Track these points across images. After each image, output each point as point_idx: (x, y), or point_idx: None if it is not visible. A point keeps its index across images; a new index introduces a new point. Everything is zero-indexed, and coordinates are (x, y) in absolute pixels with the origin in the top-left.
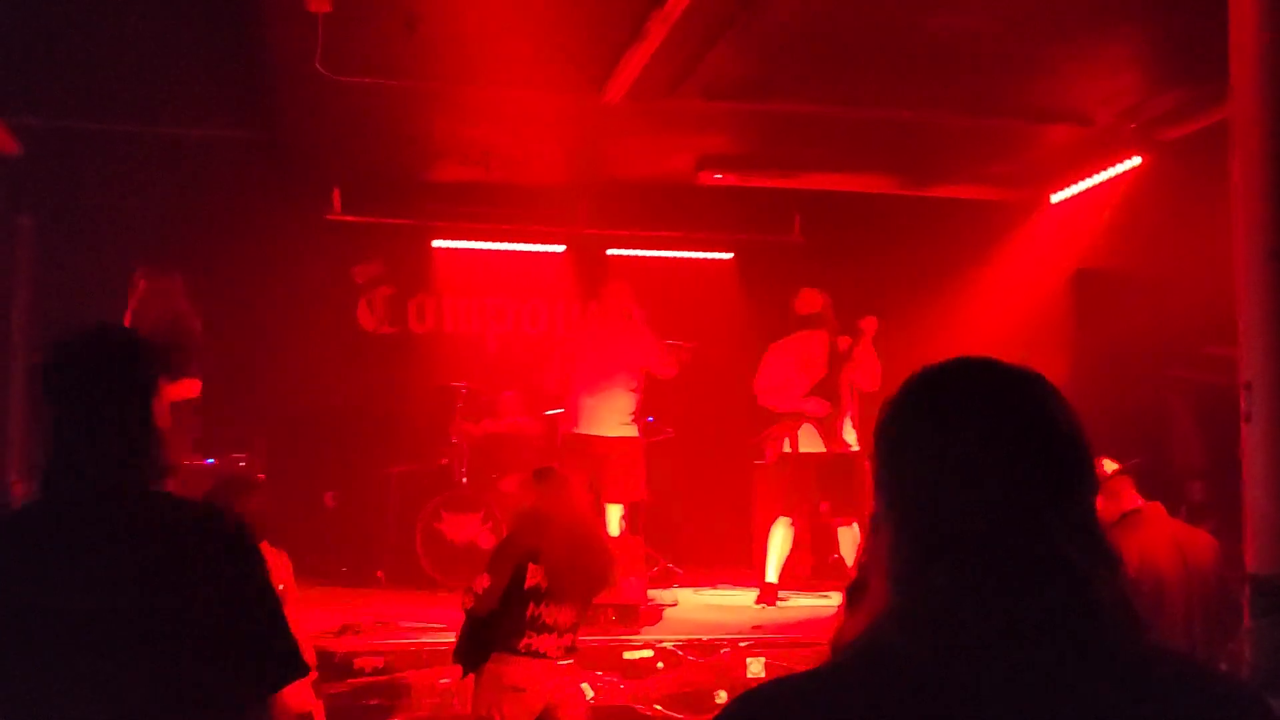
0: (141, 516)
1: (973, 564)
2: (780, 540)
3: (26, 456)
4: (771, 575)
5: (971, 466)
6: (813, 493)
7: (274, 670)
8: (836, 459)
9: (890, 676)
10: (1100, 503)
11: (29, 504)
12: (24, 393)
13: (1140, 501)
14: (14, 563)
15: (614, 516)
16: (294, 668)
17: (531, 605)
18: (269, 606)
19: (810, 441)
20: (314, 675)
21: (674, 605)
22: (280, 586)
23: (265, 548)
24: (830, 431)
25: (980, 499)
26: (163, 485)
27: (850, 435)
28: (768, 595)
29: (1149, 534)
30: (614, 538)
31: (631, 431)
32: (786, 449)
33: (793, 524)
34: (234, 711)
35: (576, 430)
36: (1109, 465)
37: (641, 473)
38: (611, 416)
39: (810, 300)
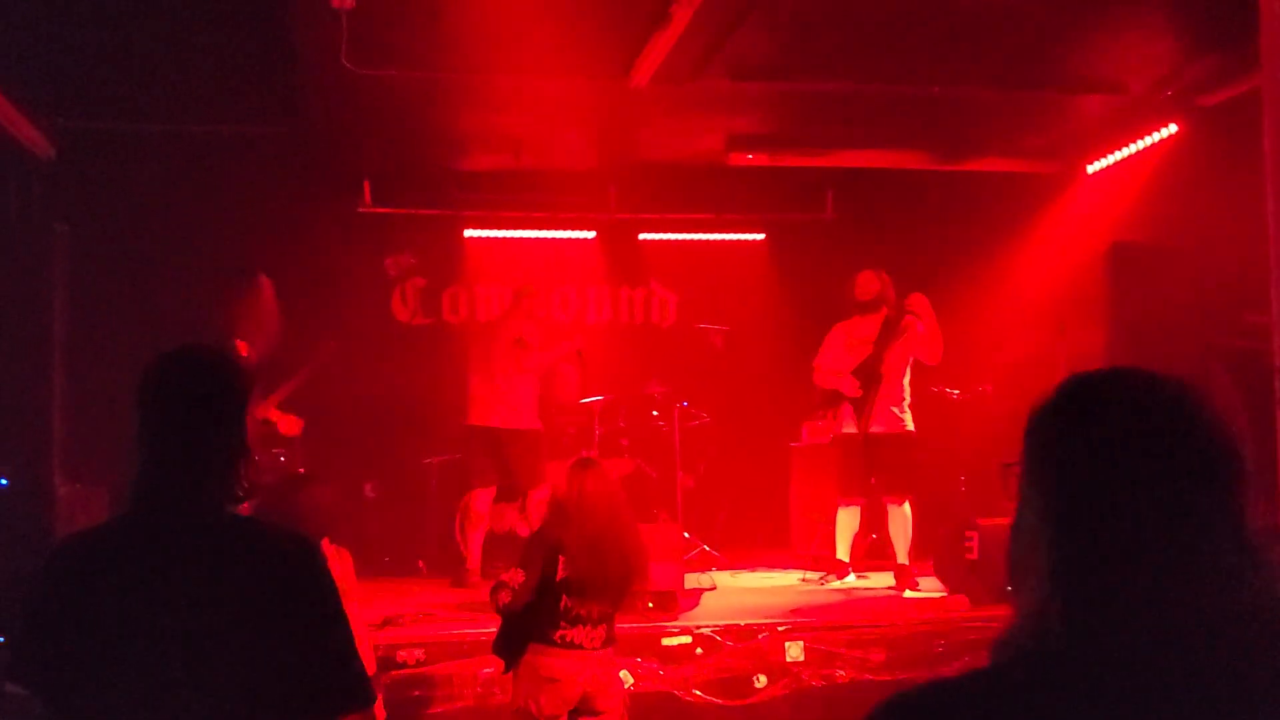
0: (217, 540)
1: (1135, 570)
2: (845, 520)
3: (69, 460)
4: (842, 554)
5: (1134, 475)
6: (861, 472)
7: (340, 700)
8: (888, 438)
9: (1054, 681)
10: None
11: (115, 519)
12: (65, 396)
13: None
14: (94, 577)
15: None
16: (359, 698)
17: (564, 597)
18: (339, 634)
19: (845, 422)
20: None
21: (712, 589)
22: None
23: (326, 545)
24: (864, 412)
25: (1143, 507)
26: (244, 507)
27: (907, 415)
28: (839, 570)
29: None
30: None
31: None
32: (850, 428)
33: (852, 502)
34: None
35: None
36: None
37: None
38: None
39: (866, 285)
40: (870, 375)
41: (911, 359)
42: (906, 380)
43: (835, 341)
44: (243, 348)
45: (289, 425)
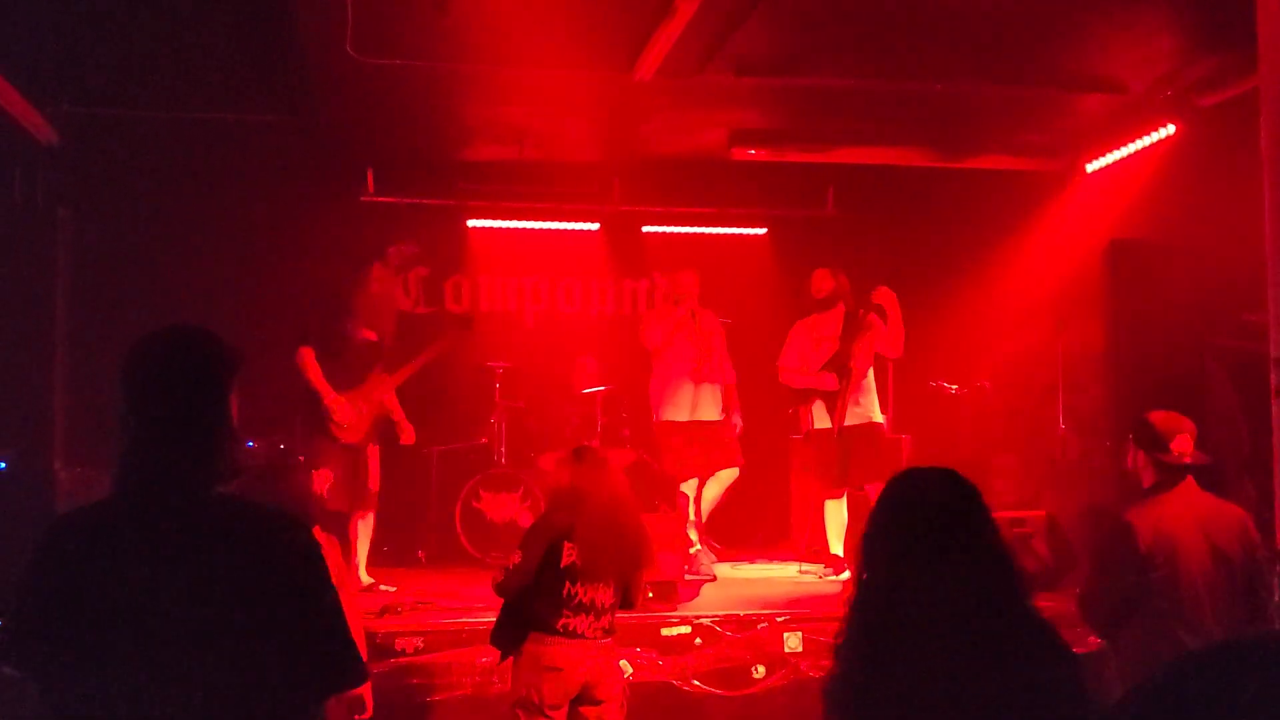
0: (207, 520)
1: None
2: (835, 513)
3: (70, 444)
4: (835, 548)
5: None
6: (838, 465)
7: (332, 678)
8: (859, 430)
9: None
10: (1129, 463)
11: (103, 500)
12: (67, 381)
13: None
14: (84, 558)
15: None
16: (352, 675)
17: (567, 584)
18: (330, 613)
19: (820, 417)
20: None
21: (712, 580)
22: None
23: (316, 532)
24: (837, 406)
25: None
26: (230, 486)
27: (873, 406)
28: (835, 565)
29: (1171, 509)
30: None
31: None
32: (822, 423)
33: (837, 495)
34: (290, 713)
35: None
36: None
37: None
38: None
39: (820, 283)
40: (841, 369)
41: (880, 352)
42: (871, 374)
43: (797, 340)
44: (369, 334)
45: (406, 436)
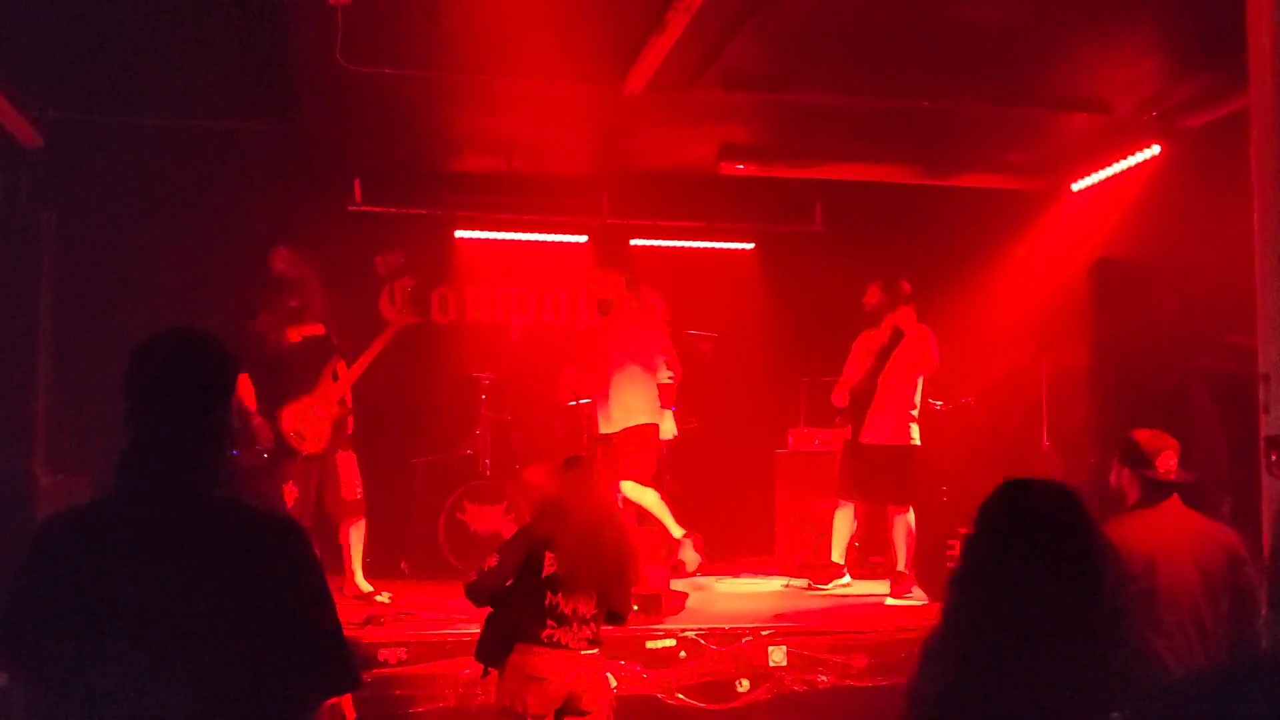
0: (205, 521)
1: None
2: (839, 522)
3: (52, 449)
4: (836, 556)
5: None
6: (849, 478)
7: (328, 681)
8: (879, 449)
9: None
10: (1114, 480)
11: (101, 499)
12: (49, 386)
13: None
14: (81, 556)
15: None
16: (348, 680)
17: (549, 594)
18: (327, 616)
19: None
20: None
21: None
22: None
23: None
24: (857, 423)
25: None
26: (229, 488)
27: (905, 427)
28: (827, 574)
29: (1154, 525)
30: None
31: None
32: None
33: (849, 505)
34: (285, 715)
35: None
36: None
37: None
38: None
39: (868, 297)
40: (868, 386)
41: (917, 372)
42: (914, 393)
43: (854, 352)
44: (310, 330)
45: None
